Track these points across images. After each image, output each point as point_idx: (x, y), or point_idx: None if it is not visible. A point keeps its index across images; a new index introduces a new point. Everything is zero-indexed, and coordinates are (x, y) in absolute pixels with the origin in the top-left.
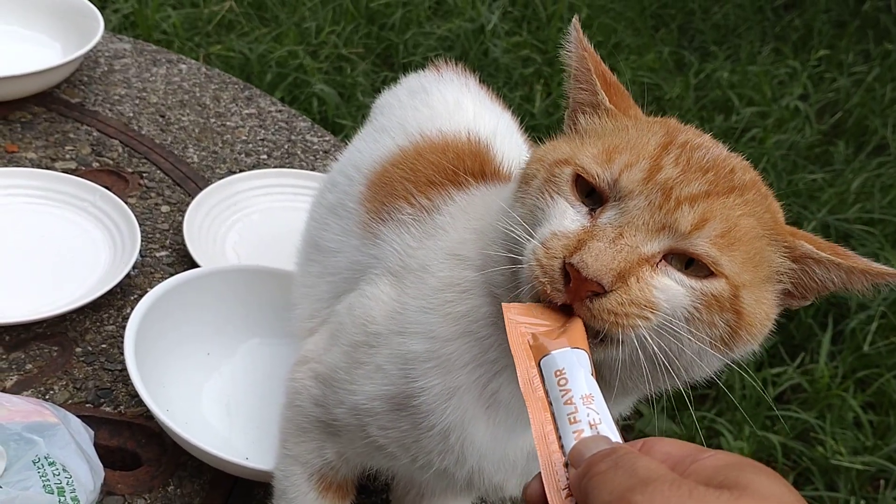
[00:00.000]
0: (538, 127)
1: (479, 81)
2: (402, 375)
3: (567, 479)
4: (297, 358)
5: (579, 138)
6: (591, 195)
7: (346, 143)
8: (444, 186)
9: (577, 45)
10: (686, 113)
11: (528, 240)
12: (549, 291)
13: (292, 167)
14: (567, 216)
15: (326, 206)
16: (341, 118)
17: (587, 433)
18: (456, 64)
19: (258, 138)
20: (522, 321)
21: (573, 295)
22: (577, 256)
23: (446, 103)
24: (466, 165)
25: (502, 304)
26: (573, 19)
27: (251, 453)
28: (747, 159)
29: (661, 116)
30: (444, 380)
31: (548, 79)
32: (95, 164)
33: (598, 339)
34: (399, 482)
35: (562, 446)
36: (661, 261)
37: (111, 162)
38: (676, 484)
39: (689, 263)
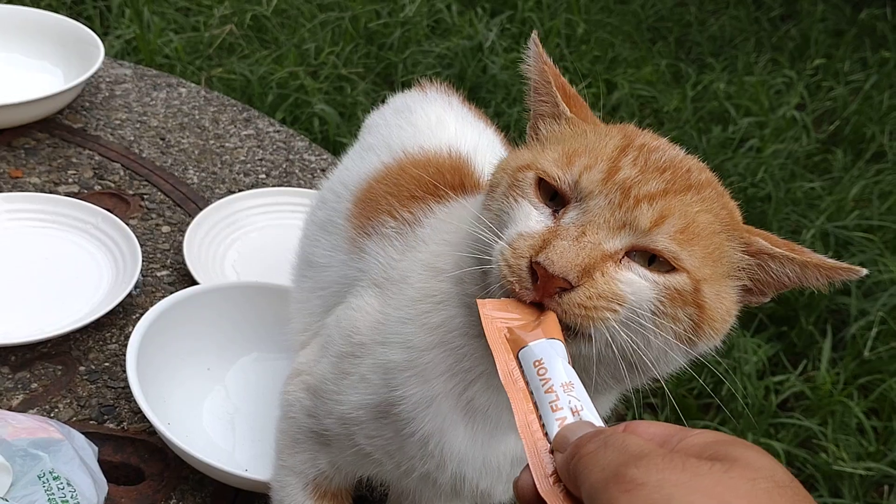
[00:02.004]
0: None
1: (478, 98)
2: (383, 384)
3: (553, 464)
4: (291, 371)
5: (540, 145)
6: (554, 198)
7: (338, 163)
8: (425, 200)
9: (537, 60)
10: (684, 125)
11: (495, 241)
12: (517, 290)
13: (290, 186)
14: (532, 217)
15: (317, 224)
16: (342, 137)
17: (570, 419)
18: (452, 82)
19: (256, 158)
20: (498, 316)
21: (542, 292)
22: (542, 255)
23: (429, 121)
24: (447, 179)
25: (477, 299)
26: (532, 35)
27: (251, 465)
28: (745, 169)
29: (652, 128)
30: (422, 388)
31: None
32: (97, 188)
33: (570, 333)
34: (392, 492)
35: (546, 434)
36: (623, 257)
37: (113, 185)
38: (669, 457)
39: (652, 260)
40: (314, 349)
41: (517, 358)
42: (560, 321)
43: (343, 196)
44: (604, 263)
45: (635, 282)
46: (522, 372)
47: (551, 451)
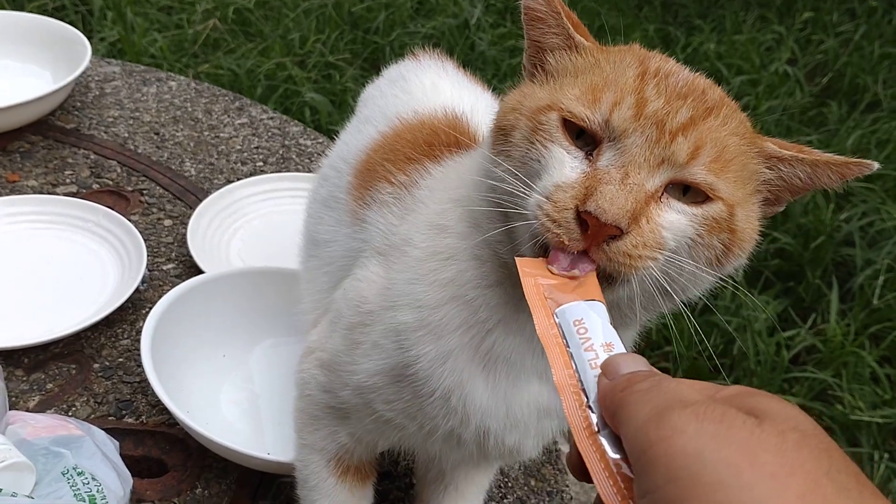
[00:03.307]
0: None
1: (467, 75)
2: (396, 347)
3: (594, 421)
4: (303, 349)
5: (553, 80)
6: (581, 136)
7: (336, 141)
8: (420, 162)
9: None
10: None
11: (527, 193)
12: (566, 242)
13: (289, 171)
14: (566, 164)
15: (320, 201)
16: (334, 125)
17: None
18: (434, 50)
19: (252, 146)
20: (537, 274)
21: (591, 241)
22: (592, 203)
23: (423, 87)
24: (441, 138)
25: (515, 257)
26: None
27: (273, 449)
28: None
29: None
30: (436, 345)
31: None
32: (96, 186)
33: (610, 281)
34: (419, 462)
35: (583, 390)
36: (662, 194)
37: (111, 182)
38: (712, 406)
39: (686, 190)
40: (325, 326)
41: (555, 315)
42: (602, 270)
43: (343, 171)
44: (647, 207)
45: (676, 223)
46: (561, 330)
47: (588, 407)
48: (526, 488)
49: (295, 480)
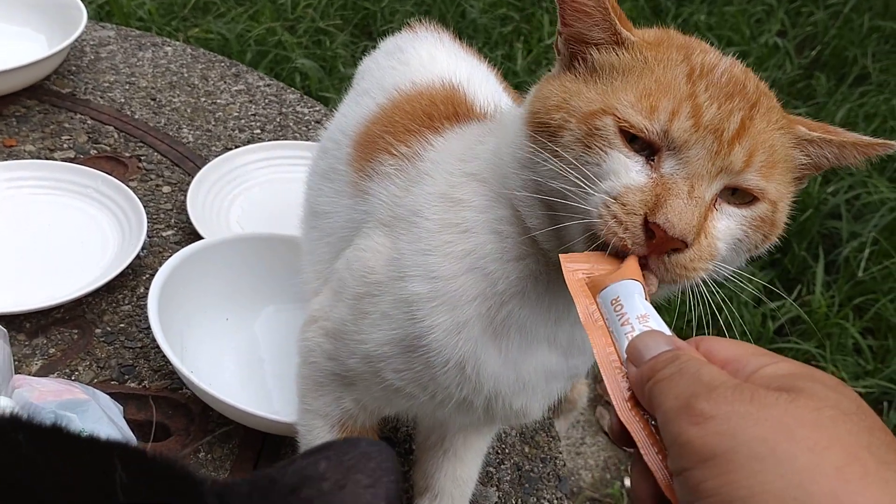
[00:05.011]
0: (522, 85)
1: (463, 45)
2: (407, 318)
3: (630, 389)
4: (306, 318)
5: (598, 78)
6: (634, 139)
7: (334, 113)
8: (420, 133)
9: None
10: None
11: (590, 191)
12: (629, 246)
13: (286, 139)
14: (630, 168)
15: (319, 173)
16: (324, 91)
17: None
18: (426, 19)
19: (250, 113)
20: (580, 268)
21: (654, 250)
22: (661, 216)
23: (420, 58)
24: (440, 109)
25: (560, 255)
26: None
27: (278, 411)
28: None
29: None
30: (451, 315)
31: (527, 36)
32: (93, 152)
33: (661, 284)
34: (420, 428)
35: (623, 363)
36: (716, 200)
37: (108, 148)
38: (739, 389)
39: (734, 191)
40: (327, 295)
41: (597, 301)
42: (656, 276)
43: (342, 143)
44: (706, 220)
45: (727, 230)
46: (602, 313)
47: (627, 377)
48: (521, 455)
49: (297, 445)
